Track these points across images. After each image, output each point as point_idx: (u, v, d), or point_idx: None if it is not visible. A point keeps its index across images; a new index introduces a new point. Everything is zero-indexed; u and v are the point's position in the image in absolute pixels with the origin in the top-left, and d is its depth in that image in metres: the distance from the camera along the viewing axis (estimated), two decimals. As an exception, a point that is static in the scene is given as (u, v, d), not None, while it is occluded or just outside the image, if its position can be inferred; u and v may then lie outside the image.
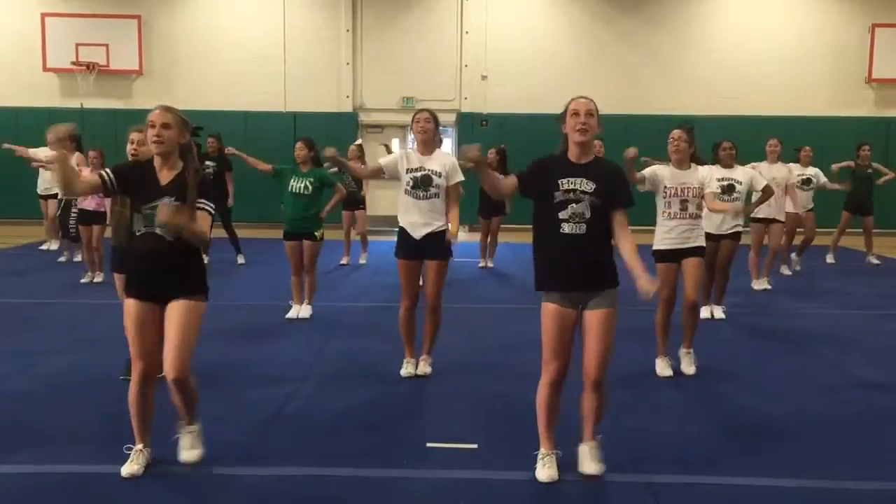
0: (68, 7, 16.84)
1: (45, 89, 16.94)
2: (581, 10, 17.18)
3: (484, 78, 17.12)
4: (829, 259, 11.93)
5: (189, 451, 3.91)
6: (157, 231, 3.68)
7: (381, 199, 15.53)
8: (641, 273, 3.67)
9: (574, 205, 3.72)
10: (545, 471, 3.88)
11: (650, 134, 15.67)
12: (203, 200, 3.77)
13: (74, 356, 6.15)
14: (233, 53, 16.99)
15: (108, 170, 3.81)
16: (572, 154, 3.84)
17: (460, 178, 5.52)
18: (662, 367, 5.81)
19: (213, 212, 3.83)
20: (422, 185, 5.41)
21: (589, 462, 3.91)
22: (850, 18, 17.01)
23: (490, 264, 11.27)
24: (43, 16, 16.67)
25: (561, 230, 3.74)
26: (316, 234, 7.54)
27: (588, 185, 3.74)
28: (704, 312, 7.57)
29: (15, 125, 16.60)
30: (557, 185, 3.75)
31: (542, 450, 3.93)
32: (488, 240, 11.31)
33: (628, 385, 5.41)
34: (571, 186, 3.74)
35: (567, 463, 3.95)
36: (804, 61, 17.01)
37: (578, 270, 3.75)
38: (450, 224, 5.45)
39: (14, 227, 15.24)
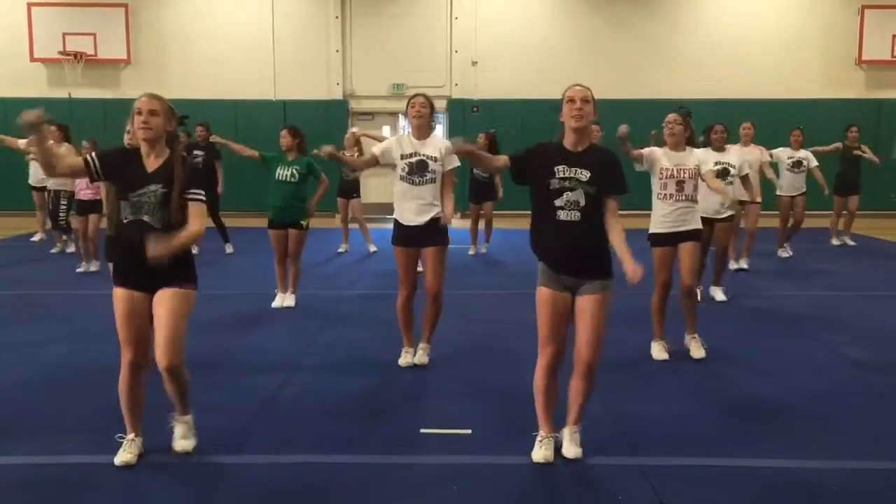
0: (54, -4, 16.71)
1: (33, 79, 16.80)
2: (571, -5, 17.11)
3: (474, 64, 17.04)
4: (834, 241, 11.93)
5: (182, 440, 3.94)
6: (145, 219, 3.66)
7: (376, 188, 15.48)
8: (629, 259, 3.70)
9: (569, 193, 3.75)
10: (541, 452, 3.91)
11: (642, 118, 15.73)
12: (195, 191, 3.74)
13: (71, 346, 6.14)
14: (221, 41, 16.87)
15: (93, 154, 3.79)
16: (568, 141, 3.85)
17: (456, 163, 5.43)
18: (658, 351, 5.80)
19: (205, 200, 3.79)
20: (417, 170, 5.34)
21: (569, 446, 3.94)
22: (839, 0, 16.99)
23: (484, 250, 11.21)
24: (29, 5, 16.50)
25: (557, 217, 3.76)
26: (302, 222, 7.50)
27: (583, 174, 3.76)
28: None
29: (3, 116, 16.47)
30: (553, 173, 3.76)
31: (541, 432, 3.97)
32: (479, 226, 11.22)
33: (621, 368, 5.43)
34: (567, 175, 3.76)
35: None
36: (795, 44, 16.98)
37: (574, 258, 3.79)
38: (445, 209, 5.40)
39: (5, 219, 15.16)
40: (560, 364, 3.92)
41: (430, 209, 5.38)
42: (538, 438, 3.97)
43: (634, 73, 16.69)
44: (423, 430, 4.36)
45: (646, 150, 5.81)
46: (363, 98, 17.30)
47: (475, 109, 16.98)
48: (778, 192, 10.70)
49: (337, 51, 17.07)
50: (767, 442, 4.22)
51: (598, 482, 3.75)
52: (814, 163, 10.57)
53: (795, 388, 5.14)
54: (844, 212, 11.94)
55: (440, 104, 17.14)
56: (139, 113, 3.69)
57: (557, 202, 3.75)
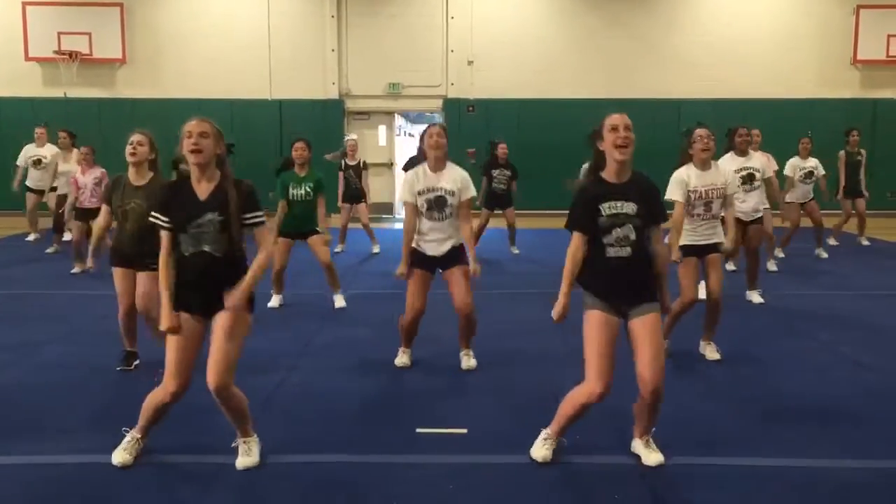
0: (49, -5, 16.67)
1: (28, 79, 16.76)
2: (567, -6, 17.12)
3: (470, 63, 17.04)
4: (832, 241, 11.88)
5: (241, 458, 3.86)
6: (206, 249, 3.61)
7: (375, 187, 15.38)
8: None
9: (618, 229, 3.64)
10: (542, 451, 3.88)
11: (639, 118, 15.72)
12: (253, 214, 3.68)
13: (68, 347, 6.10)
14: (217, 41, 16.85)
15: (157, 215, 3.67)
16: (610, 172, 3.70)
17: (472, 193, 5.36)
18: None
19: (264, 221, 3.74)
20: (436, 206, 5.26)
21: (649, 454, 3.85)
22: (835, 0, 17.02)
23: (517, 251, 11.20)
24: (24, 4, 16.47)
25: (606, 254, 3.67)
26: (319, 228, 7.36)
27: (630, 207, 3.65)
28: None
29: (-2, 115, 16.48)
30: (599, 211, 3.64)
31: (549, 430, 3.92)
32: (485, 229, 11.16)
33: (621, 367, 5.36)
34: (615, 210, 3.63)
35: (569, 448, 3.96)
36: (790, 44, 17.02)
37: (624, 292, 3.70)
38: (470, 258, 5.33)
39: (1, 219, 15.13)
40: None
41: (450, 240, 5.34)
42: (543, 436, 3.92)
43: (631, 72, 16.70)
44: (419, 430, 4.35)
45: (674, 183, 5.52)
46: (359, 98, 17.29)
47: (471, 109, 16.97)
48: (787, 199, 10.66)
49: (333, 50, 17.05)
50: (766, 441, 4.21)
51: (595, 482, 3.73)
52: (822, 171, 10.56)
53: (795, 388, 5.14)
54: (853, 211, 11.92)
55: (436, 104, 17.17)
56: (189, 136, 3.59)
57: (606, 239, 3.65)
